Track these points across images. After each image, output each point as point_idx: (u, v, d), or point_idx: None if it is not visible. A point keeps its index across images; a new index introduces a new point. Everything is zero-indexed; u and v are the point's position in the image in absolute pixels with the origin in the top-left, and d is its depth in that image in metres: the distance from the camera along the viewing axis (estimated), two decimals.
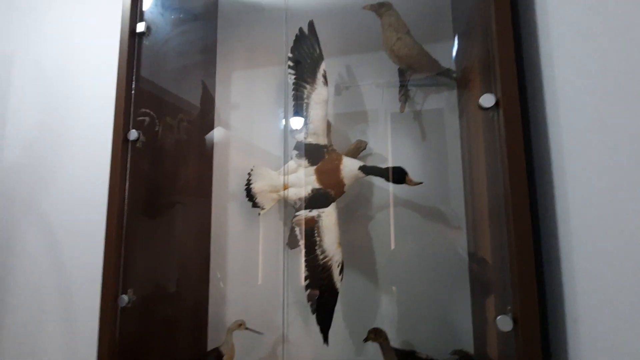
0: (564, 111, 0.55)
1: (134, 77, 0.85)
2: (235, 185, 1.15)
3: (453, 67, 0.99)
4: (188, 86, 1.07)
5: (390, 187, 1.00)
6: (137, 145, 0.85)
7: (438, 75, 0.95)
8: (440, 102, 1.01)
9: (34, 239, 1.14)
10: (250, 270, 1.10)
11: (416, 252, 0.98)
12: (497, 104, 0.60)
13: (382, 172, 0.81)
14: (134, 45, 0.85)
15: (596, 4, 0.48)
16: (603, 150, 0.46)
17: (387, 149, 1.03)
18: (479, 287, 0.86)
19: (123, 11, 0.87)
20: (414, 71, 0.92)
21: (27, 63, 1.29)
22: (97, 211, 1.06)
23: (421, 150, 1.00)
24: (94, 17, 1.18)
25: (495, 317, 0.58)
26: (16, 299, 1.13)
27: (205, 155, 1.14)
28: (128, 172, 0.84)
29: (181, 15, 1.02)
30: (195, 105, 1.10)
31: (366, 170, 0.83)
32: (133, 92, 0.86)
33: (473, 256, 0.91)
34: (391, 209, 1.01)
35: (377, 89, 1.06)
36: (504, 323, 0.57)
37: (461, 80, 0.96)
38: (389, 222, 1.01)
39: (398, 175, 0.77)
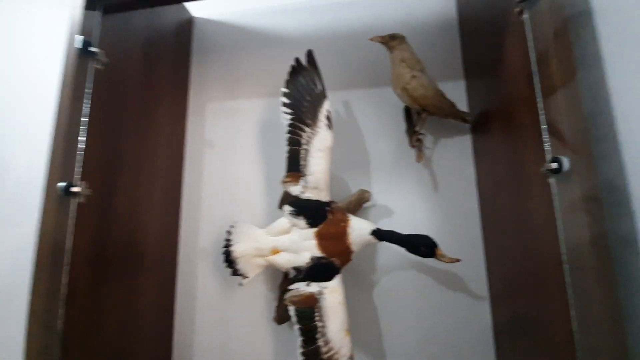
0: None
1: (83, 107, 0.65)
2: (207, 241, 0.94)
3: (466, 109, 0.88)
4: (153, 118, 0.87)
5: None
6: (80, 200, 0.63)
7: (452, 119, 0.83)
8: (453, 149, 0.88)
9: None
10: (225, 350, 0.88)
11: (431, 325, 0.82)
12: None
13: (402, 241, 0.65)
14: (82, 66, 0.66)
15: None
16: None
17: (394, 200, 0.88)
18: None
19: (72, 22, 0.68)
20: (428, 113, 0.79)
21: None
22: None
23: (433, 203, 0.86)
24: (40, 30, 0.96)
25: None
26: None
27: (171, 203, 0.93)
28: (69, 229, 0.62)
29: (148, 37, 0.84)
30: (162, 141, 0.90)
31: (381, 236, 0.66)
32: (83, 129, 0.65)
33: (501, 333, 0.76)
34: (399, 273, 0.85)
35: (380, 131, 0.92)
36: None
37: (477, 126, 0.84)
38: (398, 288, 0.84)
39: (426, 248, 0.62)
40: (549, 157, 0.48)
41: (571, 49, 0.51)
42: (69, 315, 0.59)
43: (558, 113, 0.49)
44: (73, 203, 0.62)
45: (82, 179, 0.64)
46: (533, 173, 0.57)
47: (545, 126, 0.51)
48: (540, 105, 0.53)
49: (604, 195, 0.50)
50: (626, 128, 0.49)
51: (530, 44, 0.55)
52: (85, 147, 0.65)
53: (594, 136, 0.52)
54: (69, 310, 0.59)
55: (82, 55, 0.67)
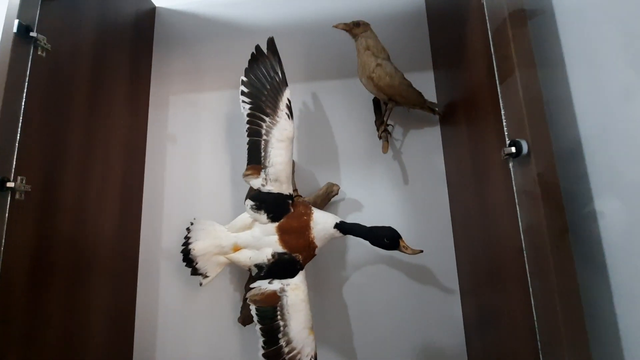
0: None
1: (24, 97, 0.60)
2: (171, 241, 0.90)
3: (434, 100, 0.87)
4: (107, 111, 0.82)
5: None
6: (17, 197, 0.58)
7: (420, 110, 0.81)
8: (423, 141, 0.87)
9: None
10: (189, 355, 0.83)
11: (402, 321, 0.79)
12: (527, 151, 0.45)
13: (366, 233, 0.62)
14: (21, 52, 0.61)
15: None
16: None
17: (363, 193, 0.85)
18: None
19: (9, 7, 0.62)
20: (394, 103, 0.77)
21: None
22: None
23: (403, 196, 0.84)
24: None
25: None
26: None
27: (131, 201, 0.88)
28: (2, 228, 0.57)
29: (102, 26, 0.79)
30: (119, 136, 0.85)
31: (344, 229, 0.64)
32: (20, 119, 0.60)
33: (470, 325, 0.75)
34: (369, 269, 0.83)
35: (349, 123, 0.89)
36: None
37: (445, 117, 0.83)
38: (368, 285, 0.82)
39: (389, 240, 0.59)
40: (507, 141, 0.46)
41: (529, 31, 0.49)
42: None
43: (516, 97, 0.48)
44: (5, 199, 0.57)
45: (20, 174, 0.59)
46: (494, 161, 0.55)
47: (503, 111, 0.50)
48: (499, 89, 0.51)
49: (562, 179, 0.49)
50: (584, 112, 0.48)
51: (488, 27, 0.53)
52: (23, 140, 0.60)
53: (552, 120, 0.51)
54: None
55: (21, 41, 0.62)
